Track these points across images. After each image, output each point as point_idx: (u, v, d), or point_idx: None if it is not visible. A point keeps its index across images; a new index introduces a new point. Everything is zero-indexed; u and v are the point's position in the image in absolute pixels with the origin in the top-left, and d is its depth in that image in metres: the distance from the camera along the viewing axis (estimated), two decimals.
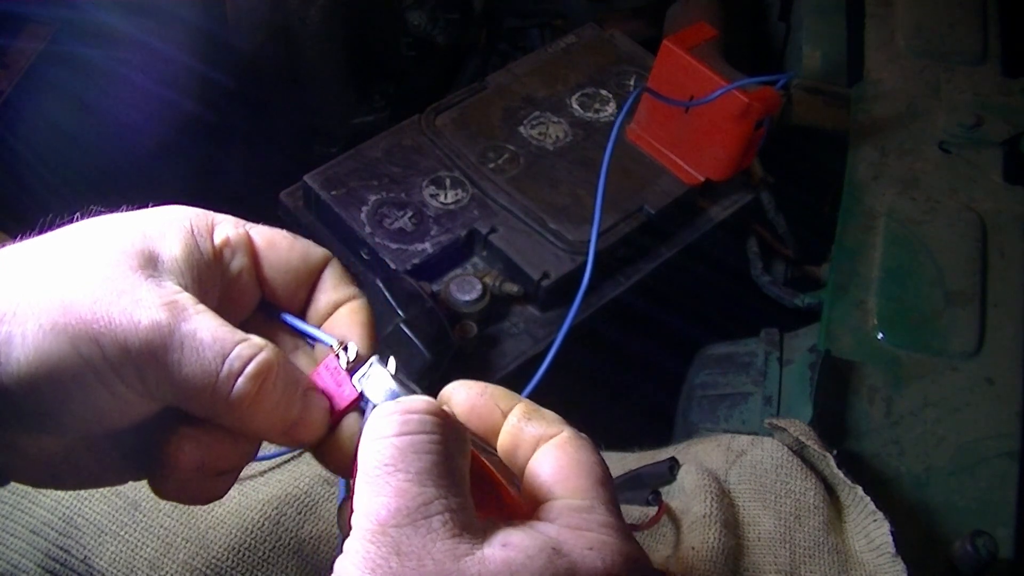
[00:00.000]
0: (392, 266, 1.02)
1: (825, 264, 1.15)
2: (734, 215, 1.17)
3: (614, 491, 0.47)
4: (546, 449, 0.48)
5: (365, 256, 1.05)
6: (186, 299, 0.47)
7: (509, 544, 0.42)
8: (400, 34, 1.53)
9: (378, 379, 0.51)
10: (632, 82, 1.24)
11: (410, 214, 1.06)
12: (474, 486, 0.46)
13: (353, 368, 0.52)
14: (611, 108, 1.20)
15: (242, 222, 0.54)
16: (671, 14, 1.40)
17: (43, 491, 0.69)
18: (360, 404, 0.51)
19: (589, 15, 1.50)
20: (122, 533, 0.67)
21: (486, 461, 0.48)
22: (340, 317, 0.54)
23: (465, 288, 1.01)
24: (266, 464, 0.73)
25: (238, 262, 0.52)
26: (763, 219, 1.21)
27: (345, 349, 0.52)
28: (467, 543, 0.41)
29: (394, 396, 0.49)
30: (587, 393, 1.16)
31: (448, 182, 1.09)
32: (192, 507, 0.69)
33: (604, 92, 1.22)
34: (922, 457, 0.89)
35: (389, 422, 0.45)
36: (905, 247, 1.04)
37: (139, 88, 1.22)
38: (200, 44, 1.31)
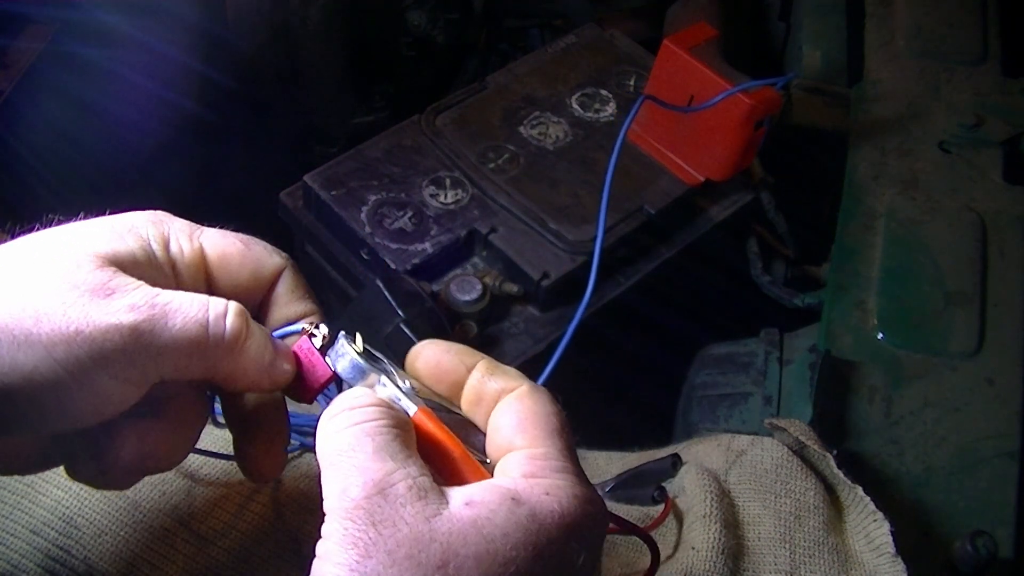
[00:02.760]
0: (392, 266, 1.02)
1: (825, 264, 1.15)
2: (734, 215, 1.17)
3: (570, 438, 0.50)
4: (505, 402, 0.51)
5: (365, 256, 1.05)
6: (152, 287, 0.50)
7: (472, 502, 0.44)
8: (400, 34, 1.53)
9: (347, 357, 0.53)
10: (632, 82, 1.24)
11: (410, 214, 1.06)
12: (435, 452, 0.49)
13: (324, 348, 0.54)
14: (611, 108, 1.20)
15: (197, 231, 0.55)
16: (671, 14, 1.40)
17: (43, 491, 0.69)
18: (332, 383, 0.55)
19: (589, 15, 1.50)
20: (122, 533, 0.67)
21: (444, 426, 0.50)
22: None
23: (465, 288, 1.01)
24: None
25: (189, 275, 0.54)
26: (763, 219, 1.21)
27: (317, 327, 0.54)
28: (433, 504, 0.44)
29: (361, 371, 0.52)
30: (587, 393, 1.16)
31: (448, 182, 1.09)
32: (193, 508, 0.69)
33: (604, 92, 1.22)
34: (922, 457, 0.89)
35: (340, 417, 0.48)
36: (905, 247, 1.04)
37: (139, 88, 1.22)
38: (200, 44, 1.31)
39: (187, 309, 0.49)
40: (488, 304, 1.01)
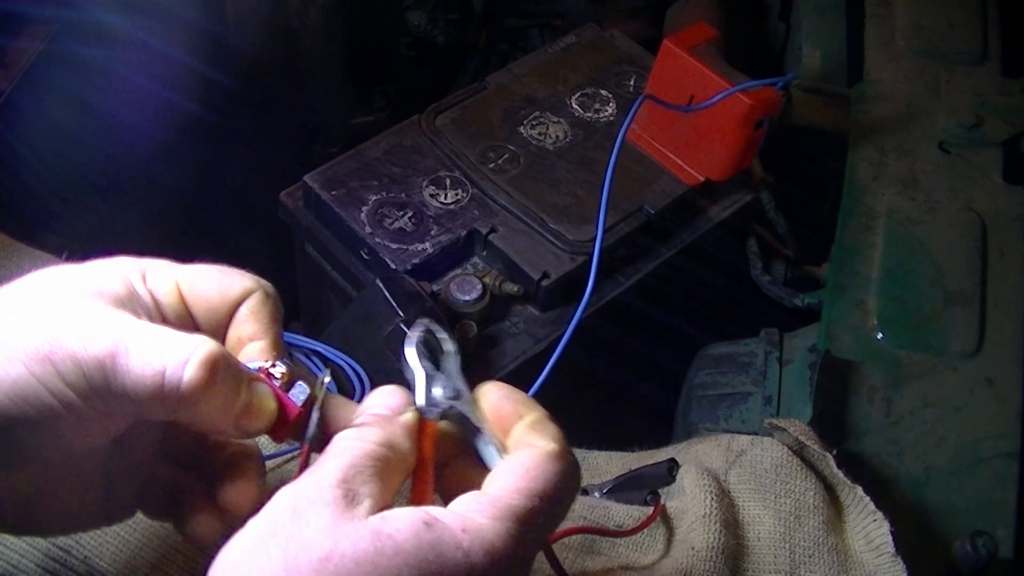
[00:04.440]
0: (392, 266, 1.02)
1: (825, 264, 1.15)
2: (734, 215, 1.17)
3: (544, 512, 0.49)
4: (521, 452, 0.51)
5: (365, 256, 1.05)
6: (129, 316, 0.50)
7: (386, 517, 0.46)
8: (400, 34, 1.53)
9: (410, 345, 0.55)
10: (632, 82, 1.24)
11: (410, 214, 1.06)
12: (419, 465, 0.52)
13: (287, 386, 0.54)
14: (611, 108, 1.20)
15: (172, 266, 0.56)
16: (671, 14, 1.40)
17: None
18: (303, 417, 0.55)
19: (589, 15, 1.50)
20: (123, 534, 0.67)
21: (432, 450, 0.53)
22: (245, 355, 0.56)
23: (465, 288, 1.01)
24: (267, 464, 0.73)
25: (169, 306, 0.55)
26: (763, 219, 1.21)
27: (274, 366, 0.54)
28: (355, 509, 0.46)
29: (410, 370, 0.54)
30: (587, 393, 1.16)
31: (448, 182, 1.09)
32: None
33: (604, 92, 1.22)
34: (922, 457, 0.89)
35: (357, 431, 0.51)
36: (905, 247, 1.04)
37: (139, 88, 1.22)
38: (200, 44, 1.31)
39: (147, 353, 0.48)
40: (488, 304, 1.01)
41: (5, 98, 1.09)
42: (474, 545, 0.45)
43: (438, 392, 0.53)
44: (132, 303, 0.53)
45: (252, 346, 0.55)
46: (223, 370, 0.50)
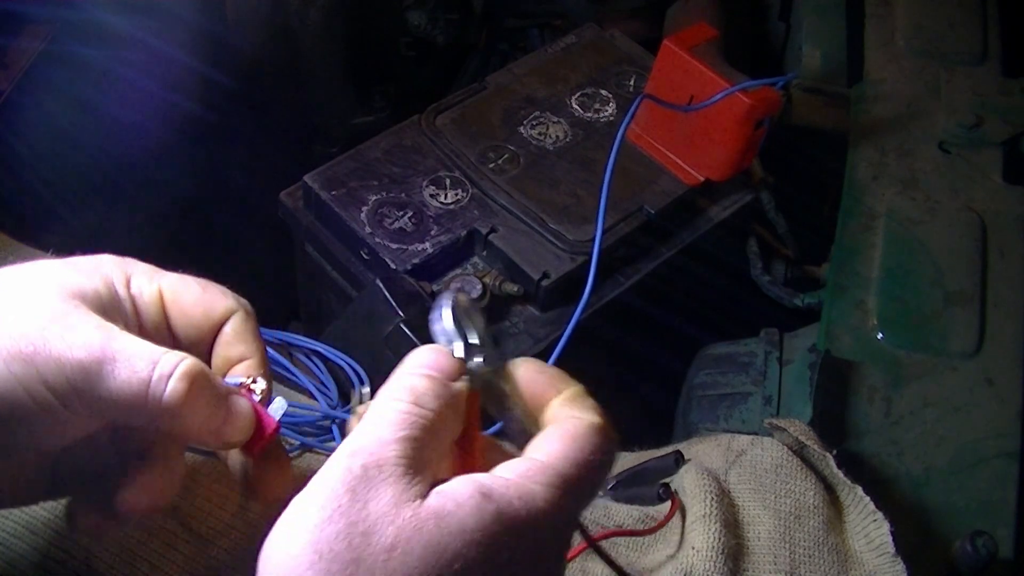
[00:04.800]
0: (392, 266, 1.02)
1: (825, 264, 1.15)
2: (734, 215, 1.17)
3: (591, 483, 0.49)
4: (568, 421, 0.51)
5: (365, 256, 1.05)
6: (112, 326, 0.51)
7: (442, 491, 0.45)
8: (400, 34, 1.53)
9: (442, 314, 0.53)
10: (632, 82, 1.24)
11: (410, 214, 1.06)
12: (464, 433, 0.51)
13: (264, 403, 0.56)
14: (611, 108, 1.20)
15: (158, 274, 0.57)
16: (671, 14, 1.40)
17: None
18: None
19: (589, 15, 1.50)
20: (122, 534, 0.67)
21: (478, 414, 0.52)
22: (234, 373, 0.57)
23: (465, 288, 1.01)
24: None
25: (149, 314, 0.56)
26: (763, 219, 1.21)
27: (255, 382, 0.56)
28: (412, 490, 0.44)
29: (447, 336, 0.52)
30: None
31: (448, 182, 1.09)
32: (193, 508, 0.69)
33: (604, 92, 1.22)
34: (922, 457, 0.89)
35: (396, 388, 0.49)
36: (905, 247, 1.04)
37: (139, 88, 1.22)
38: (200, 44, 1.31)
39: (134, 362, 0.49)
40: (488, 304, 1.01)
41: (5, 98, 1.09)
42: (530, 513, 0.45)
43: (479, 361, 0.52)
44: (112, 308, 0.53)
45: (241, 366, 0.57)
46: (204, 385, 0.51)
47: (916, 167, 1.12)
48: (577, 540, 0.57)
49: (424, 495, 0.45)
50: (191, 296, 0.57)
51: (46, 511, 0.68)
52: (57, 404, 0.49)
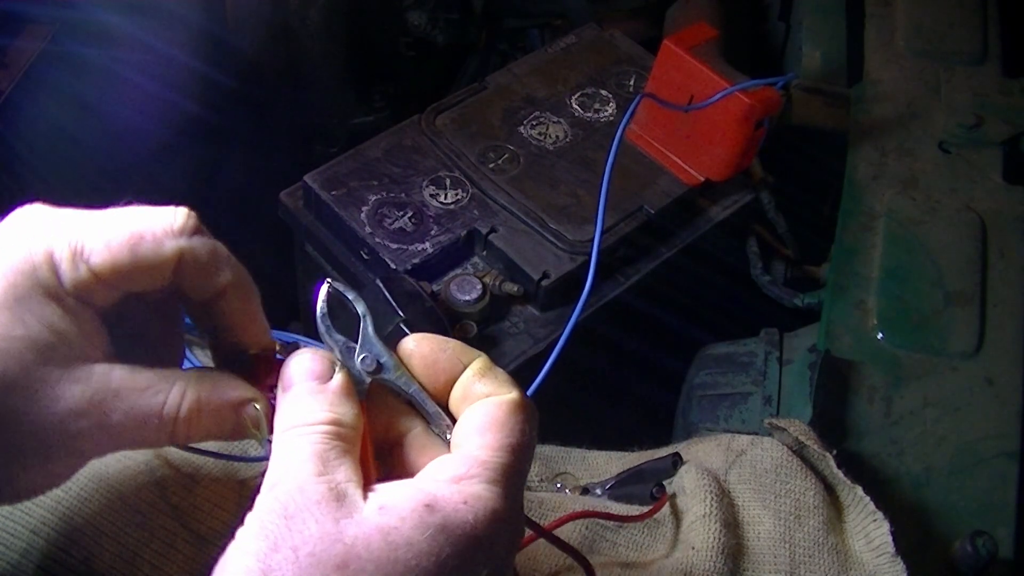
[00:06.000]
0: (392, 266, 1.02)
1: (825, 264, 1.15)
2: (734, 215, 1.17)
3: (524, 460, 0.49)
4: (482, 403, 0.50)
5: (365, 256, 1.05)
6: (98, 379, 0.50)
7: (385, 507, 0.45)
8: (400, 34, 1.53)
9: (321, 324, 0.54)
10: (632, 82, 1.24)
11: (410, 214, 1.06)
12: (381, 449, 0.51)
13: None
14: (611, 108, 1.20)
15: (109, 230, 0.52)
16: (671, 14, 1.40)
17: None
18: None
19: (589, 15, 1.50)
20: (122, 535, 0.67)
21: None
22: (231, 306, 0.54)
23: (465, 288, 1.01)
24: (266, 465, 0.73)
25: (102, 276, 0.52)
26: (763, 219, 1.21)
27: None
28: (347, 507, 0.45)
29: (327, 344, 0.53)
30: (587, 393, 1.16)
31: (448, 182, 1.09)
32: (193, 508, 0.69)
33: (604, 92, 1.22)
34: (922, 457, 0.89)
35: (293, 413, 0.50)
36: (905, 247, 1.04)
37: (139, 88, 1.22)
38: (200, 44, 1.31)
39: (136, 405, 0.50)
40: (488, 304, 1.01)
41: (5, 98, 1.09)
42: (478, 517, 0.45)
43: (358, 365, 0.52)
44: (58, 297, 0.50)
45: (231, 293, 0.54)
46: (206, 406, 0.51)
47: (916, 167, 1.12)
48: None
49: (360, 507, 0.45)
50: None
51: (46, 511, 0.68)
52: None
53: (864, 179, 1.11)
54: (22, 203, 0.52)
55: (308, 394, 0.50)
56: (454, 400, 0.52)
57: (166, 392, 0.50)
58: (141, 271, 0.50)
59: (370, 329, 0.52)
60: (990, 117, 1.15)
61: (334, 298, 0.53)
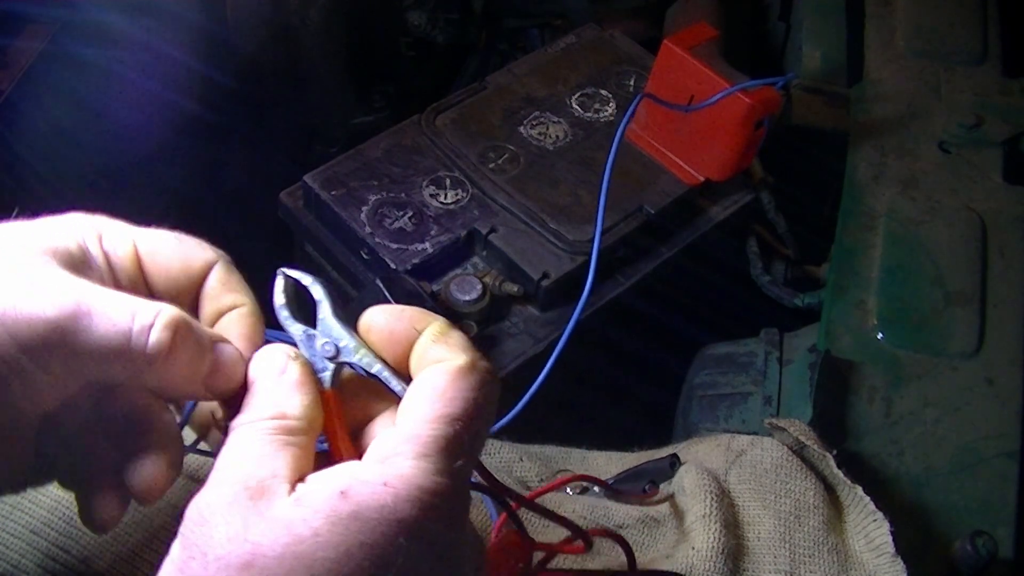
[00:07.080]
0: (392, 266, 1.02)
1: (825, 264, 1.15)
2: (734, 215, 1.17)
3: (469, 428, 0.45)
4: (430, 371, 0.47)
5: (365, 256, 1.05)
6: (86, 280, 0.49)
7: (300, 499, 0.43)
8: (400, 34, 1.53)
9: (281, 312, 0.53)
10: (632, 82, 1.24)
11: (410, 214, 1.06)
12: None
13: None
14: (611, 108, 1.20)
15: (131, 230, 0.54)
16: (671, 14, 1.40)
17: (43, 491, 0.69)
18: None
19: (589, 15, 1.50)
20: (123, 535, 0.67)
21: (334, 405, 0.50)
22: (223, 327, 0.53)
23: (465, 288, 1.01)
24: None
25: (124, 270, 0.53)
26: (763, 219, 1.21)
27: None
28: (262, 503, 0.43)
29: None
30: (587, 393, 1.16)
31: (448, 182, 1.09)
32: None
33: (604, 92, 1.22)
34: (922, 457, 0.89)
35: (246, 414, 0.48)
36: (905, 247, 1.04)
37: (139, 88, 1.22)
38: (200, 44, 1.31)
39: (112, 314, 0.47)
40: (488, 304, 1.01)
41: (5, 98, 1.09)
42: (399, 497, 0.42)
43: (317, 350, 0.50)
44: (85, 265, 0.50)
45: (234, 314, 0.54)
46: (187, 334, 0.49)
47: (916, 167, 1.12)
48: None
49: (277, 502, 0.43)
50: (168, 250, 0.53)
51: (46, 511, 0.68)
52: (31, 365, 0.46)
53: (864, 179, 1.11)
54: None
55: (256, 392, 0.49)
56: (412, 371, 0.49)
57: (135, 311, 0.48)
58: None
59: (327, 313, 0.51)
60: (990, 117, 1.15)
61: (293, 287, 0.52)
